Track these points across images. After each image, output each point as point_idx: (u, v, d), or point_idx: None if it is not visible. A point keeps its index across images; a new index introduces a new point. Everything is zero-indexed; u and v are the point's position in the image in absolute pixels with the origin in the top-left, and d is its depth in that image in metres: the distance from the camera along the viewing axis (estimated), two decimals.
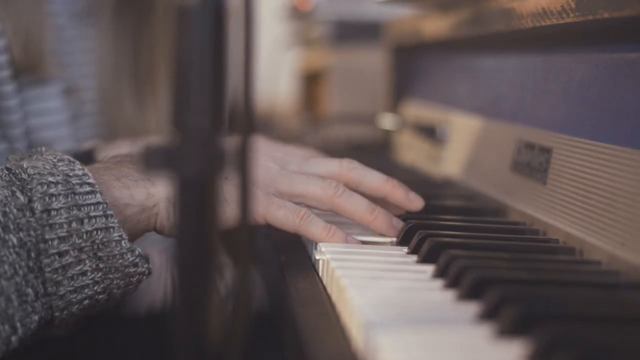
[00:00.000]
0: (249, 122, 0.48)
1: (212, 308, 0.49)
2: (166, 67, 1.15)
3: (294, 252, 0.87)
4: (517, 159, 0.94)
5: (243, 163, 0.48)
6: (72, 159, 0.79)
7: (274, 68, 2.21)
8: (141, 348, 1.07)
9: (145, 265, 0.79)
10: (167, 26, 1.15)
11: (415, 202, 0.88)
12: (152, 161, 0.46)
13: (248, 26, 0.48)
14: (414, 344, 0.54)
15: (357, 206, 0.84)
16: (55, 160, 0.77)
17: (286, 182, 0.85)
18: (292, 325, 0.67)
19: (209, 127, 0.47)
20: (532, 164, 0.89)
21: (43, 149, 0.80)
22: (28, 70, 1.03)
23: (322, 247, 0.79)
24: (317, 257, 0.80)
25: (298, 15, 2.09)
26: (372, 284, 0.68)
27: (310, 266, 0.81)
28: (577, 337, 0.52)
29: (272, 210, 0.82)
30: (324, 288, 0.74)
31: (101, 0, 1.13)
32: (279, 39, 2.24)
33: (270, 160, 0.87)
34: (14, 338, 0.73)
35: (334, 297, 0.70)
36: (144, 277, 0.80)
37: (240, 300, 0.50)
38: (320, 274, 0.78)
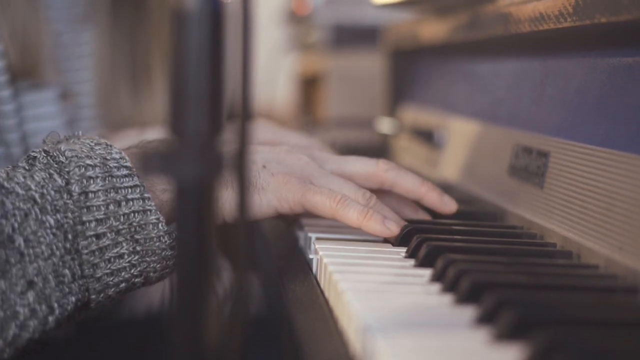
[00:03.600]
0: (247, 125, 0.48)
1: (210, 311, 0.49)
2: (162, 61, 1.16)
3: (291, 256, 0.87)
4: (514, 163, 0.94)
5: (241, 167, 0.48)
6: (109, 142, 0.79)
7: (272, 72, 2.21)
8: (139, 350, 1.07)
9: None
10: (163, 21, 1.16)
11: (449, 205, 0.90)
12: (150, 165, 0.46)
13: (246, 30, 0.48)
14: (412, 348, 0.54)
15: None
16: (92, 144, 0.78)
17: (323, 182, 0.85)
18: (290, 329, 0.67)
19: (207, 131, 0.47)
20: (530, 168, 0.89)
21: (80, 132, 0.81)
22: (25, 76, 1.03)
23: (318, 248, 0.79)
24: (311, 256, 0.80)
25: (296, 19, 2.09)
26: (369, 288, 0.68)
27: (308, 270, 0.81)
28: (575, 341, 0.52)
29: (309, 196, 0.82)
30: (322, 292, 0.74)
31: (98, 4, 1.14)
32: (277, 44, 2.24)
33: (309, 155, 0.88)
34: (51, 318, 0.74)
35: (332, 302, 0.70)
36: None
37: (238, 304, 0.50)
38: (315, 275, 0.78)
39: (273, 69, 2.20)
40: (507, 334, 0.56)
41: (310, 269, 0.80)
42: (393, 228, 0.82)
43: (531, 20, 0.91)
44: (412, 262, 0.77)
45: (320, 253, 0.78)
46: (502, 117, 1.03)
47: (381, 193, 0.90)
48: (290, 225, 0.94)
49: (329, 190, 0.83)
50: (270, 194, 0.82)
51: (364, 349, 0.57)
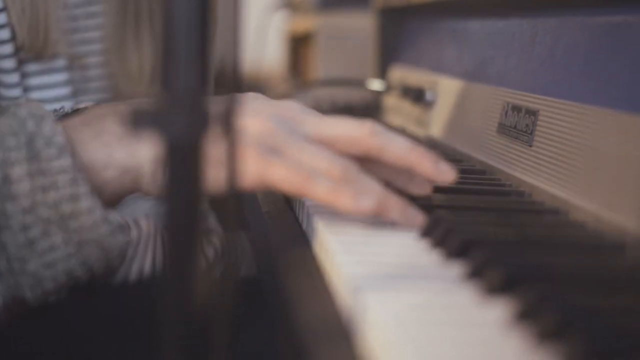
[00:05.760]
0: (236, 83, 0.48)
1: (200, 271, 0.49)
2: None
3: (281, 214, 0.87)
4: (503, 121, 0.94)
5: (229, 124, 0.48)
6: (46, 113, 0.71)
7: (262, 31, 2.20)
8: (130, 313, 1.07)
9: (127, 236, 0.73)
10: None
11: (446, 174, 0.75)
12: (139, 122, 0.46)
13: None
14: (401, 304, 0.55)
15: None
16: (25, 116, 0.71)
17: (293, 151, 0.72)
18: (280, 287, 0.67)
19: (197, 88, 0.47)
20: (519, 126, 0.90)
21: (24, 99, 0.75)
22: (33, 51, 1.00)
23: (308, 205, 0.79)
24: (301, 214, 0.81)
25: None
26: (359, 244, 0.68)
27: (298, 228, 0.81)
28: (562, 297, 0.53)
29: (271, 171, 0.71)
30: (312, 250, 0.74)
31: None
32: (266, 2, 2.23)
33: (277, 118, 0.74)
34: None
35: (322, 259, 0.70)
36: (128, 247, 0.74)
37: (228, 264, 0.50)
38: (305, 233, 0.78)
39: (263, 27, 2.19)
40: (495, 290, 0.56)
41: (300, 227, 0.81)
42: (365, 203, 0.70)
43: None
44: None
45: (310, 211, 0.78)
46: (492, 76, 1.03)
47: (372, 162, 0.77)
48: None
49: (295, 163, 0.71)
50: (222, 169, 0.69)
51: (354, 306, 0.57)
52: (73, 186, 0.70)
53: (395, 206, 0.72)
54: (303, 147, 0.73)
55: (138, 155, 0.73)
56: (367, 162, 0.76)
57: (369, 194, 0.71)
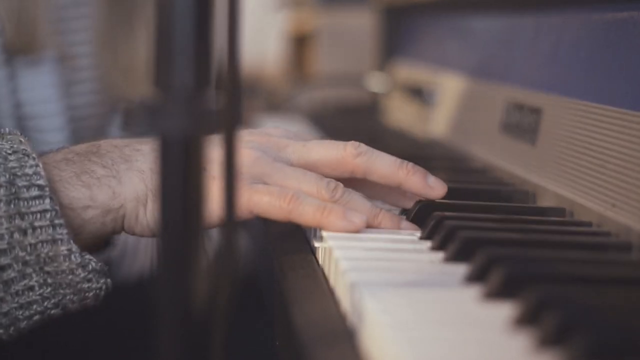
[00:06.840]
0: (236, 80, 0.47)
1: (198, 270, 0.48)
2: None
3: None
4: (506, 119, 0.93)
5: (229, 122, 0.47)
6: (28, 150, 0.71)
7: (263, 30, 2.19)
8: (129, 314, 1.06)
9: (102, 281, 0.73)
10: None
11: (436, 189, 0.75)
12: (134, 120, 0.45)
13: None
14: (401, 306, 0.54)
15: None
16: (8, 152, 0.71)
17: (277, 178, 0.73)
18: (279, 287, 0.66)
19: (194, 84, 0.46)
20: (522, 125, 0.89)
21: (7, 130, 0.73)
22: (21, 46, 0.99)
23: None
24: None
25: None
26: (359, 245, 0.67)
27: (298, 228, 0.80)
28: (566, 298, 0.52)
29: (256, 199, 0.71)
30: (312, 250, 0.73)
31: None
32: (267, 0, 2.23)
33: (259, 147, 0.75)
34: None
35: (321, 259, 0.69)
36: (102, 292, 0.73)
37: (227, 263, 0.50)
38: (305, 233, 0.78)
39: (263, 26, 2.19)
40: (498, 292, 0.55)
41: (300, 226, 0.80)
42: (357, 221, 0.70)
43: None
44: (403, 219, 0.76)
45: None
46: (494, 73, 1.02)
47: (361, 181, 0.77)
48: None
49: (279, 188, 0.71)
50: (212, 201, 0.62)
51: (353, 306, 0.56)
52: (51, 230, 0.70)
53: (387, 222, 0.72)
54: (287, 173, 0.73)
55: (119, 195, 0.73)
56: (356, 182, 0.76)
57: (358, 211, 0.71)
